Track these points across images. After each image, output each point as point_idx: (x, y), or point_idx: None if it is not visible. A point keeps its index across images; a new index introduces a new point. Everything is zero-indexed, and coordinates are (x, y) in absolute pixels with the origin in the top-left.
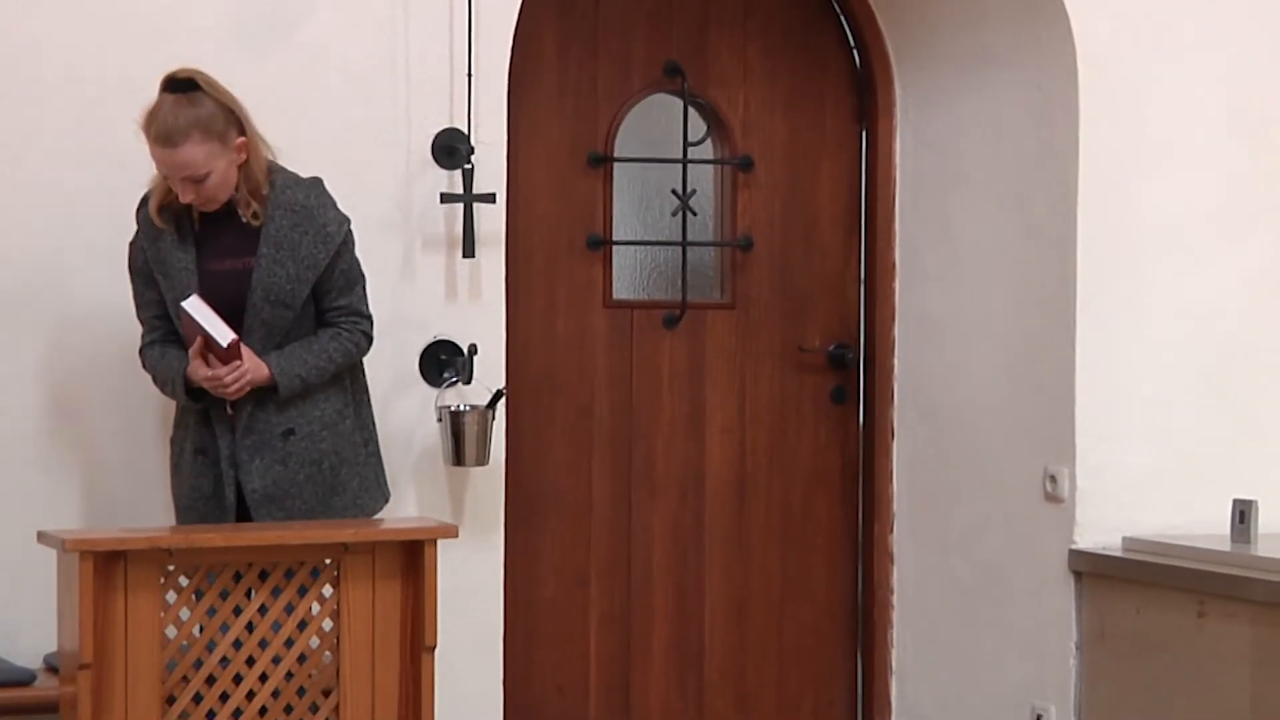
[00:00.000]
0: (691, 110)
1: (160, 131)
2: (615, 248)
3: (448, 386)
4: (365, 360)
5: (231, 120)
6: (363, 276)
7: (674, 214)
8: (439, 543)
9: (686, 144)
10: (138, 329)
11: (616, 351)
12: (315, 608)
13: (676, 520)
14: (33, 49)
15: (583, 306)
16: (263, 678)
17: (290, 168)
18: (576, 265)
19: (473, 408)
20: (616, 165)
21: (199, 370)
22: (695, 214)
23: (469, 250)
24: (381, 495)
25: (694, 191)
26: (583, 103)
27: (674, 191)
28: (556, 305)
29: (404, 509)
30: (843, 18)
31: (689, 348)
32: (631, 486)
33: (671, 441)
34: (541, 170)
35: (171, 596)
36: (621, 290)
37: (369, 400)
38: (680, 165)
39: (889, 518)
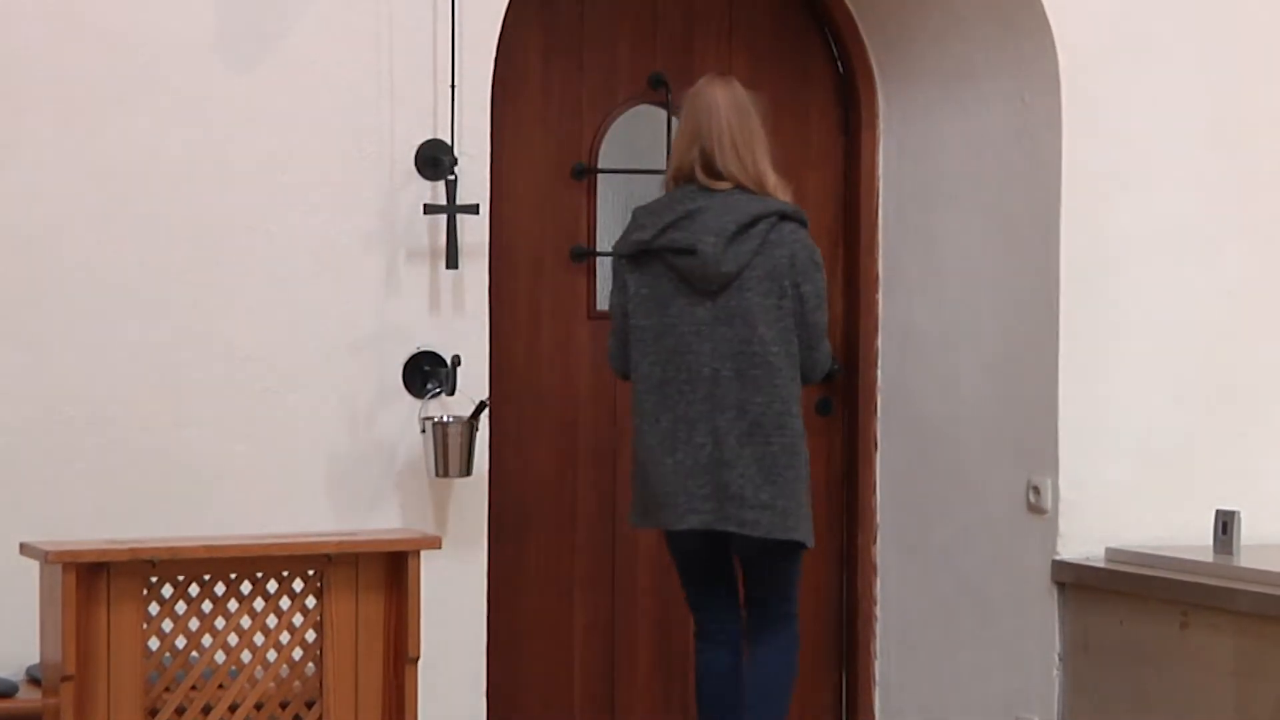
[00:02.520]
0: (675, 122)
1: None
2: (599, 259)
3: (431, 398)
4: (349, 371)
5: None
6: None
7: None
8: (422, 554)
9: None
10: (124, 342)
11: (600, 363)
12: (299, 619)
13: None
14: (16, 59)
15: (566, 318)
16: (246, 689)
17: (275, 180)
18: (560, 277)
19: (456, 419)
20: (600, 177)
21: None
22: None
23: (452, 262)
24: None
25: None
26: (567, 114)
27: None
28: (540, 316)
29: (387, 520)
30: (827, 31)
31: None
32: (615, 497)
33: None
34: (525, 182)
35: (155, 608)
36: (605, 302)
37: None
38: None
39: (873, 529)
